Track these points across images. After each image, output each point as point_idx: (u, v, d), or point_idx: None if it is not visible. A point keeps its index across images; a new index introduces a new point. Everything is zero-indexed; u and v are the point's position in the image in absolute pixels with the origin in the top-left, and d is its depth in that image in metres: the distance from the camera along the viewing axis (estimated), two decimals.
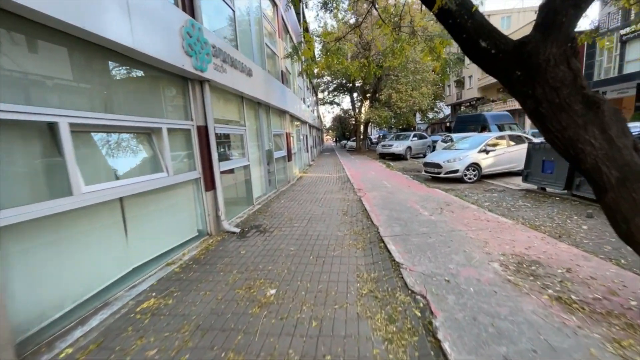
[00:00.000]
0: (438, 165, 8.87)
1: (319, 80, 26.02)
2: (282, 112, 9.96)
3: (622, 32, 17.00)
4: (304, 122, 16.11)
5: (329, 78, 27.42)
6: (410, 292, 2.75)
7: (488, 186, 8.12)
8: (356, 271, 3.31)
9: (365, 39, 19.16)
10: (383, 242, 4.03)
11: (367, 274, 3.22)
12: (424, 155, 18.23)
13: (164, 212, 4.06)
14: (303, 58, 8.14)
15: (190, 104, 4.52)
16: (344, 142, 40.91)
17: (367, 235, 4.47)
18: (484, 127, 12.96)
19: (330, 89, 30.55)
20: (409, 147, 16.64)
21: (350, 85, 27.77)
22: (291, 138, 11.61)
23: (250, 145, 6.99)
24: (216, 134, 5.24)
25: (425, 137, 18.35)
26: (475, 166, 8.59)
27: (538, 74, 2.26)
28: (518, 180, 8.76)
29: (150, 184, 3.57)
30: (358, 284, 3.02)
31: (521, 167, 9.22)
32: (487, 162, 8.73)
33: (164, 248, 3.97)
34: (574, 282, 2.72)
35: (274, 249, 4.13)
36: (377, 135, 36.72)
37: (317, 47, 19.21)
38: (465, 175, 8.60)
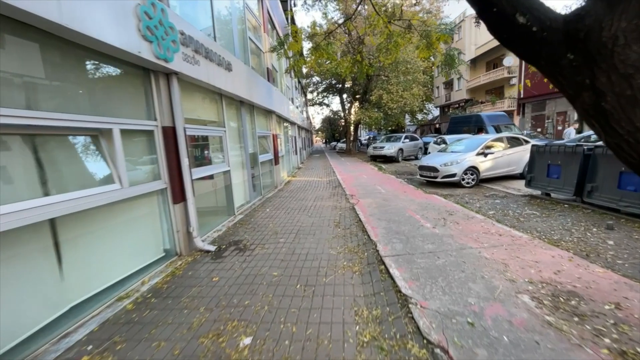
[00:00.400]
0: (434, 169, 8.36)
1: (308, 80, 25.41)
2: (268, 113, 9.27)
3: None
4: (292, 123, 15.44)
5: (318, 78, 26.84)
6: (425, 341, 2.12)
7: (488, 191, 7.66)
8: (354, 306, 2.67)
9: (356, 36, 18.68)
10: (384, 264, 3.40)
11: (368, 311, 2.58)
12: (416, 157, 17.86)
13: (118, 231, 3.32)
14: (290, 53, 7.51)
15: (154, 101, 3.79)
16: (334, 143, 40.42)
17: (364, 254, 3.84)
18: (480, 129, 12.59)
19: (319, 90, 29.97)
20: (401, 149, 16.20)
21: (340, 86, 27.28)
22: (278, 140, 10.92)
23: (232, 148, 6.27)
24: (190, 137, 4.52)
25: (417, 139, 17.98)
26: (473, 170, 8.12)
27: (601, 57, 1.69)
28: (517, 184, 8.36)
29: (94, 199, 2.82)
30: (357, 327, 2.38)
31: (519, 170, 8.85)
32: (485, 165, 8.28)
33: (117, 277, 3.23)
34: (631, 324, 2.16)
35: (254, 274, 3.45)
36: (368, 137, 36.33)
37: (306, 47, 18.62)
38: (463, 179, 8.12)
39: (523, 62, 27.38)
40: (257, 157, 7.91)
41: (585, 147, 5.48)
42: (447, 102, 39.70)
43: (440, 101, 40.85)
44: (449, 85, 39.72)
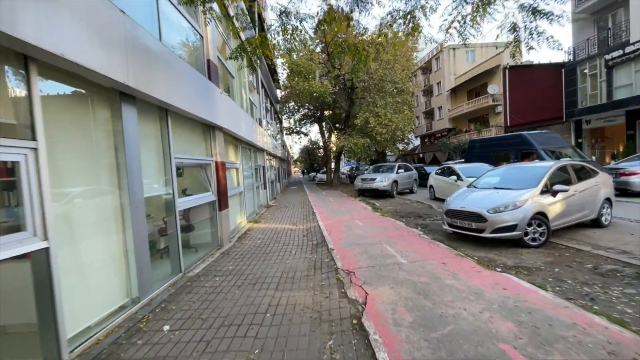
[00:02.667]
0: (478, 217, 5.12)
1: (282, 106, 22.63)
2: (207, 128, 5.83)
3: (607, 57, 15.89)
4: (259, 150, 12.08)
5: (293, 104, 24.22)
6: None
7: (576, 255, 4.47)
8: None
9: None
10: None
11: None
12: (411, 191, 14.88)
13: None
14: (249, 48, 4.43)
15: None
16: (313, 174, 37.30)
17: None
18: (525, 154, 9.55)
19: (296, 118, 27.27)
20: (395, 182, 13.16)
21: (319, 114, 24.78)
22: (231, 171, 7.43)
23: (75, 188, 2.70)
24: None
25: (411, 169, 15.14)
26: (540, 218, 4.98)
27: None
28: (596, 235, 5.32)
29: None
30: None
31: (593, 214, 5.85)
32: (555, 209, 5.19)
33: None
34: None
35: None
36: (350, 167, 33.55)
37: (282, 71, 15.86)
38: (527, 234, 4.93)
39: (507, 90, 26.66)
40: (174, 202, 4.30)
41: None
42: (428, 132, 38.55)
43: (421, 131, 39.72)
44: (429, 114, 38.92)
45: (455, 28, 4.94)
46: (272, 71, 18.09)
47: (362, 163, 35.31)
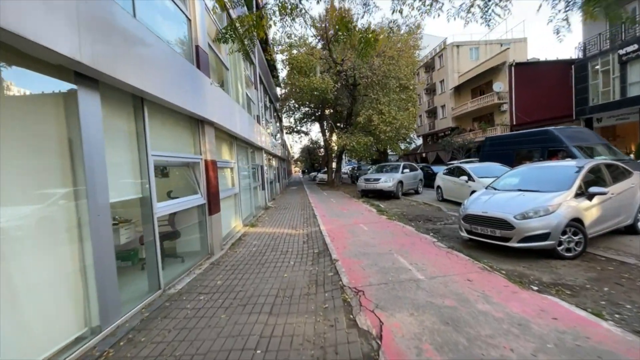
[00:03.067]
0: (503, 224, 4.47)
1: (282, 104, 21.99)
2: (193, 122, 5.19)
3: (621, 52, 15.21)
4: (258, 148, 11.45)
5: (293, 102, 23.58)
6: None
7: (623, 270, 3.82)
8: None
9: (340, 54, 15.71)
10: None
11: None
12: (416, 191, 14.22)
13: None
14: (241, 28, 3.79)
15: None
16: (313, 174, 36.65)
17: None
18: (553, 152, 8.47)
19: (296, 117, 26.61)
20: (400, 182, 12.50)
21: (319, 112, 24.14)
22: (222, 171, 6.79)
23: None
24: None
25: (416, 169, 14.47)
26: (575, 225, 4.32)
27: None
28: (634, 243, 4.68)
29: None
30: None
31: (630, 220, 5.20)
32: (592, 215, 4.54)
33: None
34: None
35: None
36: (352, 167, 32.86)
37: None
38: (561, 243, 4.27)
39: (513, 88, 25.97)
40: (152, 207, 3.66)
41: None
42: (431, 131, 37.86)
43: (424, 130, 39.03)
44: (432, 113, 38.23)
45: (479, 6, 4.29)
46: (272, 67, 17.46)
47: (363, 163, 34.66)
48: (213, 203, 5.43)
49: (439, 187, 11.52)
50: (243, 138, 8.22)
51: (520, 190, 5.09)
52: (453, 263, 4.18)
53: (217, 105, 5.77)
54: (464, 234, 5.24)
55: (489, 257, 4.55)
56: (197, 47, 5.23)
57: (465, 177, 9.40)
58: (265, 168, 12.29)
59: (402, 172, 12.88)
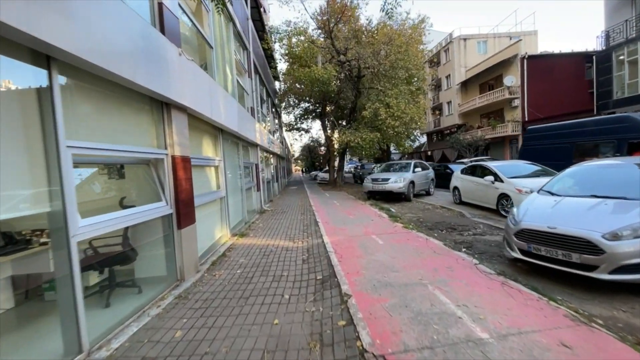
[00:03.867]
0: (588, 246, 3.13)
1: (280, 98, 20.68)
2: (154, 104, 3.87)
3: None
4: (251, 144, 10.15)
5: (293, 97, 22.26)
6: None
7: None
8: None
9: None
10: None
11: None
12: (427, 193, 12.91)
13: None
14: None
15: None
16: (314, 173, 35.32)
17: None
18: (635, 146, 6.64)
19: (296, 113, 25.27)
20: (412, 182, 11.18)
21: (320, 109, 22.86)
22: (203, 171, 5.47)
23: None
24: None
25: (427, 168, 13.14)
26: None
27: None
28: None
29: None
30: None
31: None
32: None
33: None
34: None
35: None
36: (356, 166, 31.49)
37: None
38: None
39: (526, 82, 24.57)
40: (66, 226, 2.35)
41: None
42: (436, 128, 36.45)
43: (428, 127, 37.58)
44: (437, 110, 36.86)
45: None
46: (269, 58, 16.13)
47: (364, 161, 33.23)
48: (184, 213, 4.13)
49: (456, 188, 10.21)
50: (232, 131, 6.91)
51: (595, 196, 3.77)
52: (520, 305, 2.87)
53: (191, 86, 4.46)
54: (516, 254, 3.93)
55: (560, 288, 3.25)
56: (160, 4, 3.91)
57: (490, 177, 8.09)
58: (261, 167, 10.98)
59: (414, 172, 11.57)
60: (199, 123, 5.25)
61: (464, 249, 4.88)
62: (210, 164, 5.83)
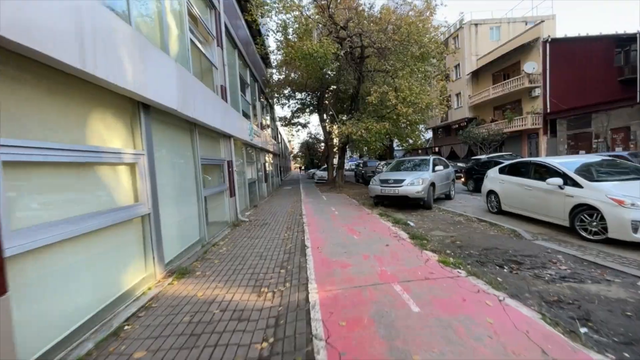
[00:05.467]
0: None
1: (271, 89, 18.12)
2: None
3: None
4: (222, 135, 7.66)
5: (289, 90, 19.71)
6: None
7: None
8: None
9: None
10: None
11: None
12: (447, 196, 10.43)
13: None
14: None
15: None
16: (312, 171, 32.72)
17: None
18: None
19: (291, 104, 22.70)
20: (432, 185, 8.65)
21: (318, 101, 20.38)
22: (86, 173, 2.94)
23: None
24: None
25: (447, 165, 10.60)
26: None
27: None
28: None
29: None
30: None
31: None
32: None
33: None
34: None
35: None
36: (356, 164, 28.84)
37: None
38: None
39: (548, 69, 21.96)
40: None
41: None
42: (443, 123, 33.75)
43: (434, 122, 34.86)
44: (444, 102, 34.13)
45: None
46: (255, 36, 13.55)
47: (366, 158, 30.45)
48: None
49: (492, 192, 7.70)
50: (169, 109, 4.40)
51: None
52: None
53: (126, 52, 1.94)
54: None
55: None
56: None
57: (557, 180, 5.56)
58: (236, 165, 8.45)
59: (434, 170, 9.03)
60: (63, 79, 2.72)
61: (578, 323, 2.39)
62: (112, 160, 3.31)
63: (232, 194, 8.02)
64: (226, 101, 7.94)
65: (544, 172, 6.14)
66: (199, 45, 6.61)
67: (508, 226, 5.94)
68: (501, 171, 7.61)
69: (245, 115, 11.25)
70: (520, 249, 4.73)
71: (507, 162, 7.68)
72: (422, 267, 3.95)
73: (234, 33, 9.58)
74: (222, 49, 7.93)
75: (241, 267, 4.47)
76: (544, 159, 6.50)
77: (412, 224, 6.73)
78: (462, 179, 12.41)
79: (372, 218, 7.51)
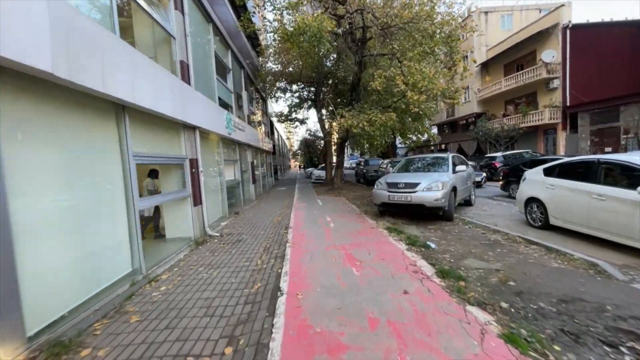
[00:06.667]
0: None
1: (263, 80, 16.24)
2: None
3: None
4: (186, 126, 5.85)
5: (284, 82, 17.87)
6: None
7: None
8: None
9: None
10: None
11: None
12: (468, 202, 8.60)
13: None
14: None
15: None
16: (309, 170, 30.83)
17: None
18: None
19: (287, 97, 20.85)
20: (454, 189, 6.81)
21: (314, 96, 18.57)
22: None
23: None
24: None
25: (467, 164, 8.74)
26: None
27: None
28: None
29: None
30: None
31: None
32: None
33: None
34: None
35: None
36: (358, 161, 26.87)
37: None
38: None
39: (568, 58, 20.02)
40: None
41: None
42: (449, 119, 31.72)
43: (440, 118, 32.89)
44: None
45: None
46: (240, 12, 11.68)
47: (367, 156, 28.41)
48: None
49: (534, 200, 5.87)
50: (45, 75, 2.59)
51: None
52: None
53: None
54: None
55: None
56: None
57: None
58: (200, 165, 6.61)
59: (454, 172, 7.18)
60: None
61: None
62: None
63: (197, 201, 6.20)
64: (188, 82, 6.12)
65: (623, 176, 4.31)
66: (150, 10, 4.77)
67: (580, 255, 4.10)
68: (548, 173, 5.77)
69: (225, 105, 9.42)
70: (622, 302, 2.92)
71: (555, 162, 5.83)
72: (478, 356, 2.14)
73: (207, 2, 7.74)
74: (182, 14, 6.09)
75: (164, 336, 2.66)
76: (623, 156, 4.64)
77: (432, 245, 4.91)
78: (501, 182, 10.63)
79: (378, 235, 5.69)
